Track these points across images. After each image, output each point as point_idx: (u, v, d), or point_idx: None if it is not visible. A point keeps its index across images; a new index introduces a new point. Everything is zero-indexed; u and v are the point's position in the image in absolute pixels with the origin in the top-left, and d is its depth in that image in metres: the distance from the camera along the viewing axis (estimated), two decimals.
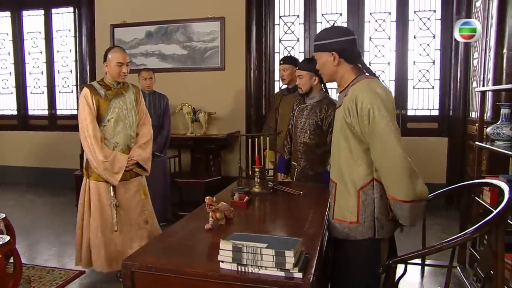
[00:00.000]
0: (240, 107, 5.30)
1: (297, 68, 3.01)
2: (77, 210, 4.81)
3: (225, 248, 1.35)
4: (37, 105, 6.37)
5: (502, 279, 1.57)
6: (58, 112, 6.24)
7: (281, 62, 3.75)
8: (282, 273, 1.30)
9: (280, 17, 5.30)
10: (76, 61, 5.96)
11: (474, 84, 4.31)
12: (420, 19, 4.86)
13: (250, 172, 2.78)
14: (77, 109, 5.96)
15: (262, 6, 5.20)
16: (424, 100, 4.93)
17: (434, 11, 4.81)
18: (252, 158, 3.06)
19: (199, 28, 5.33)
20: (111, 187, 2.79)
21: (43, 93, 6.31)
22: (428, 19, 4.83)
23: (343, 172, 1.75)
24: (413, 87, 4.93)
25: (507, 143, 2.80)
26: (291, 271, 1.29)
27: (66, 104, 6.21)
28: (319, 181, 2.89)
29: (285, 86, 3.91)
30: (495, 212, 1.55)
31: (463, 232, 1.53)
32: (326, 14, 5.14)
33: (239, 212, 2.03)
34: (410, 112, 4.95)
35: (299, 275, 1.29)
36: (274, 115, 3.93)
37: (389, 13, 4.93)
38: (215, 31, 5.27)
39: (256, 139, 2.66)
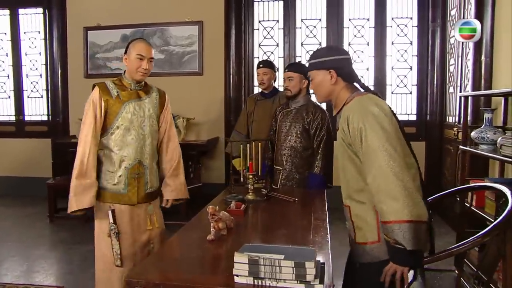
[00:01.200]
0: (219, 112, 5.23)
1: (286, 70, 2.98)
2: (49, 221, 4.66)
3: (240, 261, 1.28)
4: (3, 111, 6.03)
5: None
6: (27, 118, 5.92)
7: (261, 65, 3.62)
8: (302, 286, 1.24)
9: (259, 21, 5.28)
10: (46, 64, 5.70)
11: (451, 90, 4.43)
12: (398, 25, 4.97)
13: (241, 178, 2.71)
14: (49, 114, 5.75)
15: (241, 11, 5.17)
16: (402, 105, 5.03)
17: (411, 18, 4.93)
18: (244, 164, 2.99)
19: (177, 32, 5.23)
20: (109, 211, 2.23)
21: (9, 97, 5.98)
22: (405, 25, 4.95)
23: (354, 194, 1.68)
24: (392, 92, 5.02)
25: (491, 147, 2.86)
26: (311, 283, 1.24)
27: (35, 110, 5.90)
28: (304, 184, 2.90)
29: (257, 91, 3.82)
30: (502, 215, 1.55)
31: (474, 237, 1.53)
32: (306, 19, 5.16)
33: (238, 221, 1.96)
34: None
35: (320, 286, 1.24)
36: (245, 120, 3.80)
37: (368, 19, 5.01)
38: (193, 35, 5.19)
39: (248, 145, 2.60)
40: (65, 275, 3.27)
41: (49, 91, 5.68)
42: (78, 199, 2.16)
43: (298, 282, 1.24)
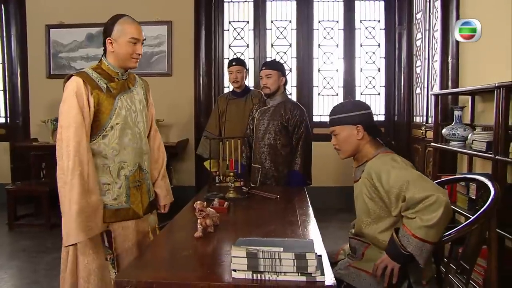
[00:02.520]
0: (188, 114, 5.13)
1: (263, 67, 2.96)
2: (9, 229, 4.36)
3: (238, 255, 1.23)
4: None
5: (496, 269, 1.62)
6: None
7: (234, 63, 3.53)
8: (303, 278, 1.21)
9: (229, 22, 5.24)
10: (3, 63, 5.34)
11: (418, 91, 4.58)
12: (366, 28, 5.07)
13: (222, 178, 2.66)
14: (7, 116, 5.38)
15: (211, 11, 5.10)
16: (371, 106, 5.09)
17: (378, 21, 5.05)
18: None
19: (145, 32, 4.88)
20: (104, 233, 1.82)
21: None
22: (373, 28, 5.06)
23: (379, 235, 1.69)
24: (361, 94, 5.11)
25: (461, 143, 2.97)
26: (313, 274, 1.20)
27: None
28: (283, 182, 2.89)
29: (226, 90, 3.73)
30: (487, 204, 1.60)
31: (462, 225, 1.56)
32: (276, 20, 5.17)
33: (223, 219, 1.90)
34: None
35: (321, 278, 1.21)
36: (217, 120, 3.70)
37: (337, 22, 5.09)
38: (162, 35, 5.06)
39: (227, 142, 2.55)
40: (30, 285, 3.06)
41: (7, 91, 5.34)
42: (88, 224, 1.69)
43: (299, 274, 1.21)
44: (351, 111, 1.78)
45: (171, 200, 2.21)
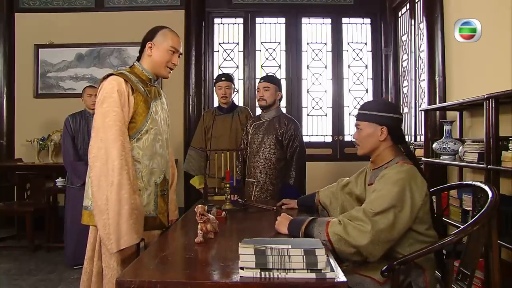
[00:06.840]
0: (178, 134, 5.10)
1: (262, 80, 3.01)
2: None
3: (246, 253, 1.19)
4: None
5: (498, 270, 1.61)
6: None
7: (223, 78, 3.53)
8: (313, 275, 1.17)
9: (219, 44, 5.32)
10: None
11: (405, 110, 4.67)
12: (353, 50, 5.20)
13: (216, 190, 2.63)
14: None
15: (201, 33, 5.17)
16: None
17: (365, 43, 5.20)
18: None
19: (135, 52, 4.90)
20: (142, 243, 1.73)
21: None
22: (360, 50, 5.20)
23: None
24: (349, 114, 5.18)
25: (452, 157, 3.02)
26: (323, 271, 1.17)
27: None
28: (279, 196, 2.85)
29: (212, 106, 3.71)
30: (486, 205, 1.61)
31: (464, 226, 1.56)
32: (265, 42, 5.27)
33: (221, 227, 1.86)
34: (347, 138, 5.17)
35: (331, 275, 1.18)
36: (203, 136, 3.63)
37: (325, 44, 5.21)
38: None
39: (222, 154, 2.53)
40: None
41: None
42: (139, 226, 1.67)
43: (309, 271, 1.18)
44: (380, 110, 1.75)
45: (178, 216, 2.17)
